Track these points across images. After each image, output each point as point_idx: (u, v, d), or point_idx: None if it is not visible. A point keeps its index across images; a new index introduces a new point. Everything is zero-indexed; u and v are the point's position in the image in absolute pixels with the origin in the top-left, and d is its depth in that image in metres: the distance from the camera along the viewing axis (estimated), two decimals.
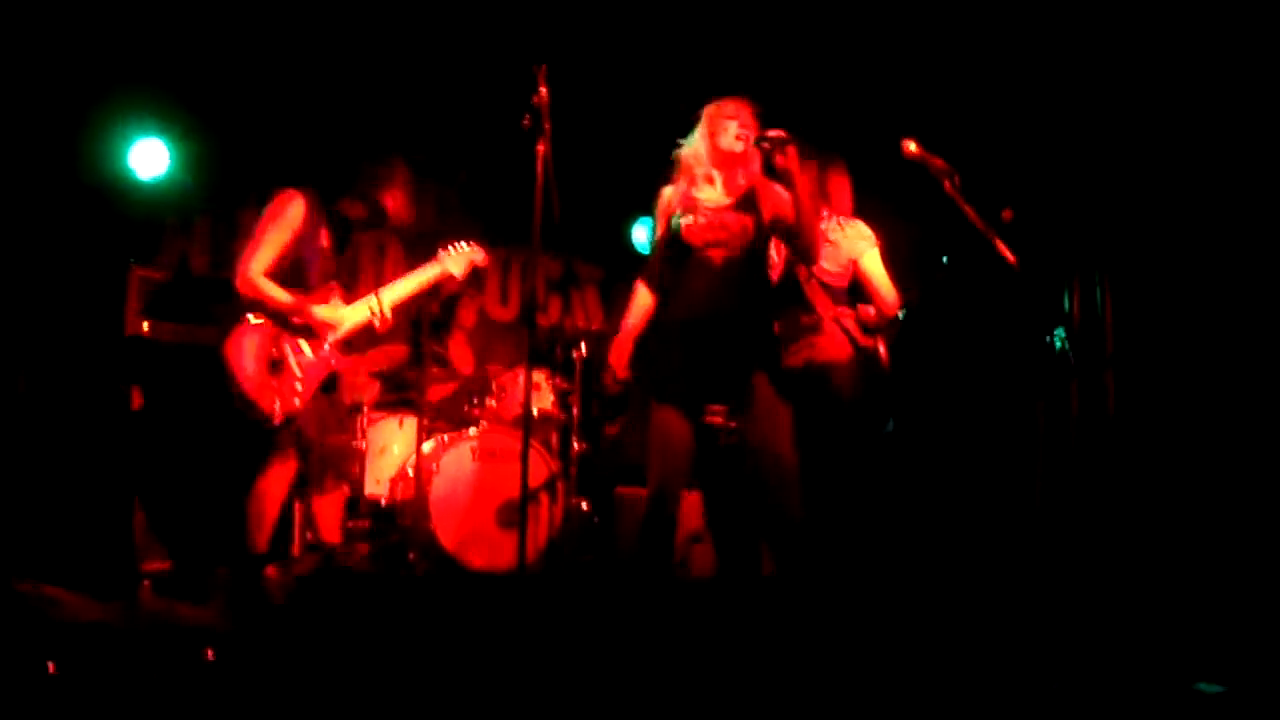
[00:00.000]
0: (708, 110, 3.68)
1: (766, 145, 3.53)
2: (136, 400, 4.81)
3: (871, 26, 5.34)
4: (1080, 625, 3.76)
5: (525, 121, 3.28)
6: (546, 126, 3.28)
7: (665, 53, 5.72)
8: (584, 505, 5.33)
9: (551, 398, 5.47)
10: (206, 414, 4.81)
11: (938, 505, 5.16)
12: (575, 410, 5.46)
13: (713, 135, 3.62)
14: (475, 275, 4.57)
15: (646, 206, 7.25)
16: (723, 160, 3.63)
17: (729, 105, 3.65)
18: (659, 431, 3.53)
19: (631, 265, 7.37)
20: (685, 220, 3.59)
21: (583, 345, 5.55)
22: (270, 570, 4.28)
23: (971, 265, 4.27)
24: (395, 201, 4.02)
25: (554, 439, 5.49)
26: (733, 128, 3.60)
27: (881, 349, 4.35)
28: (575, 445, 5.40)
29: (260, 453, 3.87)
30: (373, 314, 4.05)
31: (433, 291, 4.30)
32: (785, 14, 5.33)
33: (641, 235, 7.41)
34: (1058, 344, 3.70)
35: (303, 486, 4.05)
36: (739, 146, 3.60)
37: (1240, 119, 4.79)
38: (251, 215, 3.97)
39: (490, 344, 6.57)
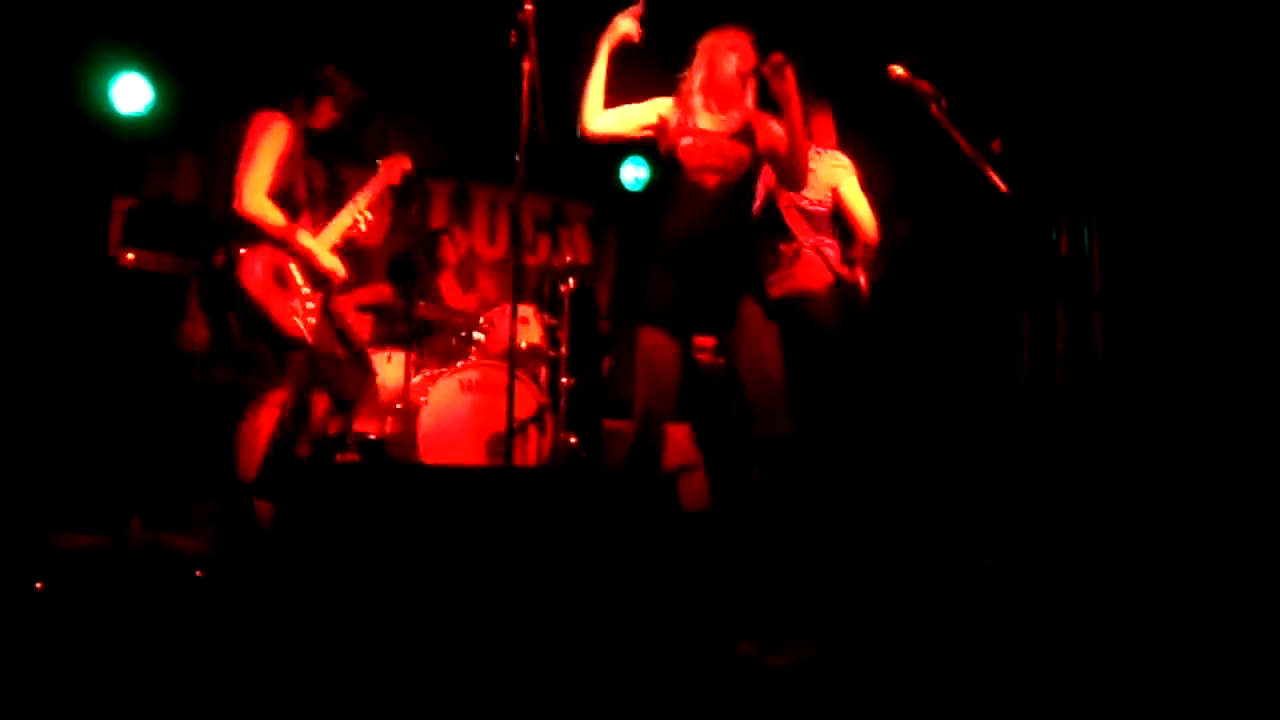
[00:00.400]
0: (707, 39, 3.68)
1: (767, 69, 3.52)
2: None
3: None
4: (1059, 562, 3.82)
5: (512, 38, 3.25)
6: (533, 43, 3.26)
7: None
8: (572, 439, 5.36)
9: (540, 332, 5.48)
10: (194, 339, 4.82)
11: (924, 440, 5.22)
12: (563, 346, 5.49)
13: (712, 65, 3.63)
14: (409, 187, 4.65)
15: (635, 145, 7.29)
16: (722, 90, 3.64)
17: (729, 35, 3.65)
18: (646, 354, 3.54)
19: (621, 203, 7.45)
20: (684, 142, 3.59)
21: (571, 281, 5.57)
22: (260, 500, 4.32)
23: (960, 192, 4.28)
24: (355, 90, 3.99)
25: (543, 373, 5.51)
26: (733, 59, 3.62)
27: (862, 281, 4.37)
28: (564, 380, 5.43)
29: (254, 381, 3.87)
30: (355, 217, 4.07)
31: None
32: None
33: (630, 174, 7.40)
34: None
35: (340, 408, 4.08)
36: (738, 77, 3.61)
37: (1233, 65, 4.78)
38: (226, 141, 3.91)
39: (478, 281, 6.57)
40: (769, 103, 3.70)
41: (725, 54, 3.62)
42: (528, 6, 3.28)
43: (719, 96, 3.64)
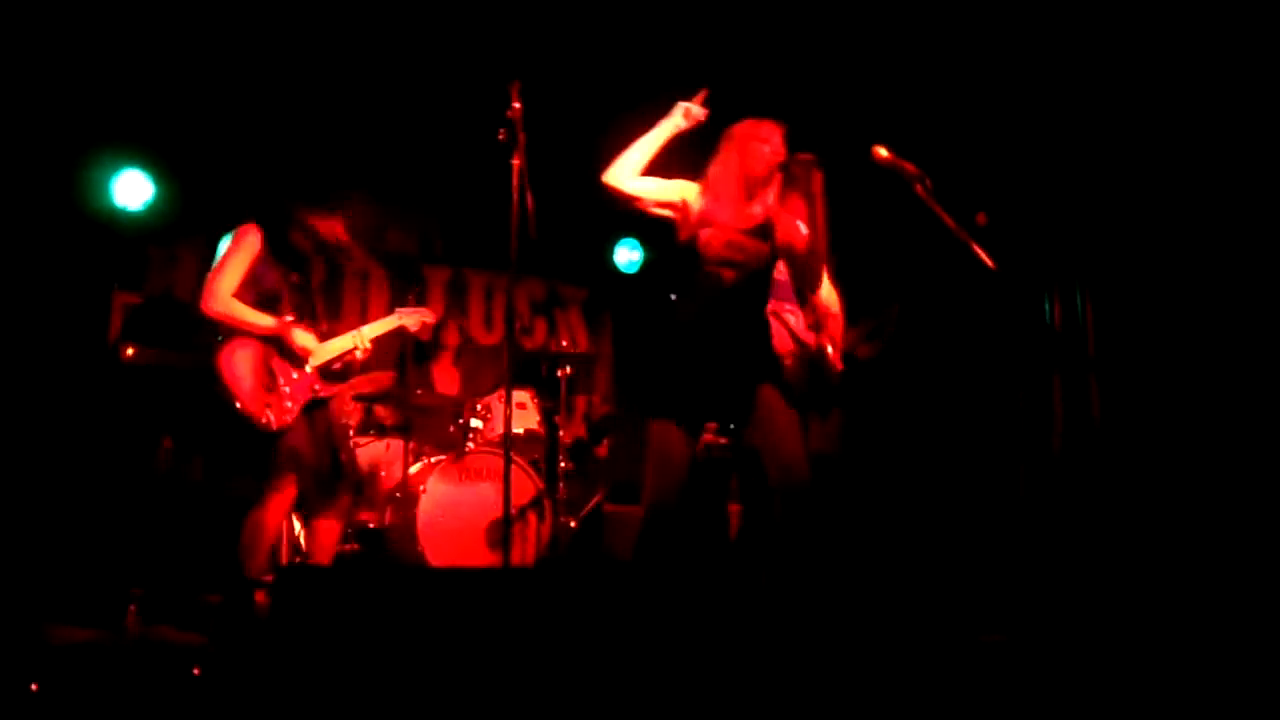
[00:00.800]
0: (739, 128, 3.67)
1: (797, 169, 3.55)
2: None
3: (849, 30, 5.42)
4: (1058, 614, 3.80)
5: (500, 135, 3.34)
6: (521, 139, 3.34)
7: (641, 72, 5.80)
8: (572, 524, 5.35)
9: (537, 417, 5.51)
10: (196, 436, 4.85)
11: (926, 505, 5.21)
12: (561, 430, 5.51)
13: (742, 156, 3.61)
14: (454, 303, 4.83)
15: (627, 227, 7.40)
16: (748, 183, 3.61)
17: (763, 127, 3.65)
18: (657, 447, 3.49)
19: (615, 286, 7.52)
20: (705, 232, 3.56)
21: (567, 366, 5.61)
22: (261, 596, 4.31)
23: (950, 270, 4.34)
24: (326, 226, 4.09)
25: (540, 458, 5.52)
26: (764, 151, 3.61)
27: (829, 348, 4.37)
28: (561, 464, 5.44)
29: (257, 479, 3.91)
30: (356, 344, 4.17)
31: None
32: (760, 23, 5.42)
33: (623, 256, 7.50)
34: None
35: (303, 508, 4.08)
36: (767, 172, 3.60)
37: (1217, 131, 4.89)
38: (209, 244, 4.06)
39: (476, 368, 6.62)
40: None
41: (757, 146, 3.60)
42: (515, 105, 3.36)
43: (745, 189, 3.60)
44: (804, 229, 3.59)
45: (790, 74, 5.50)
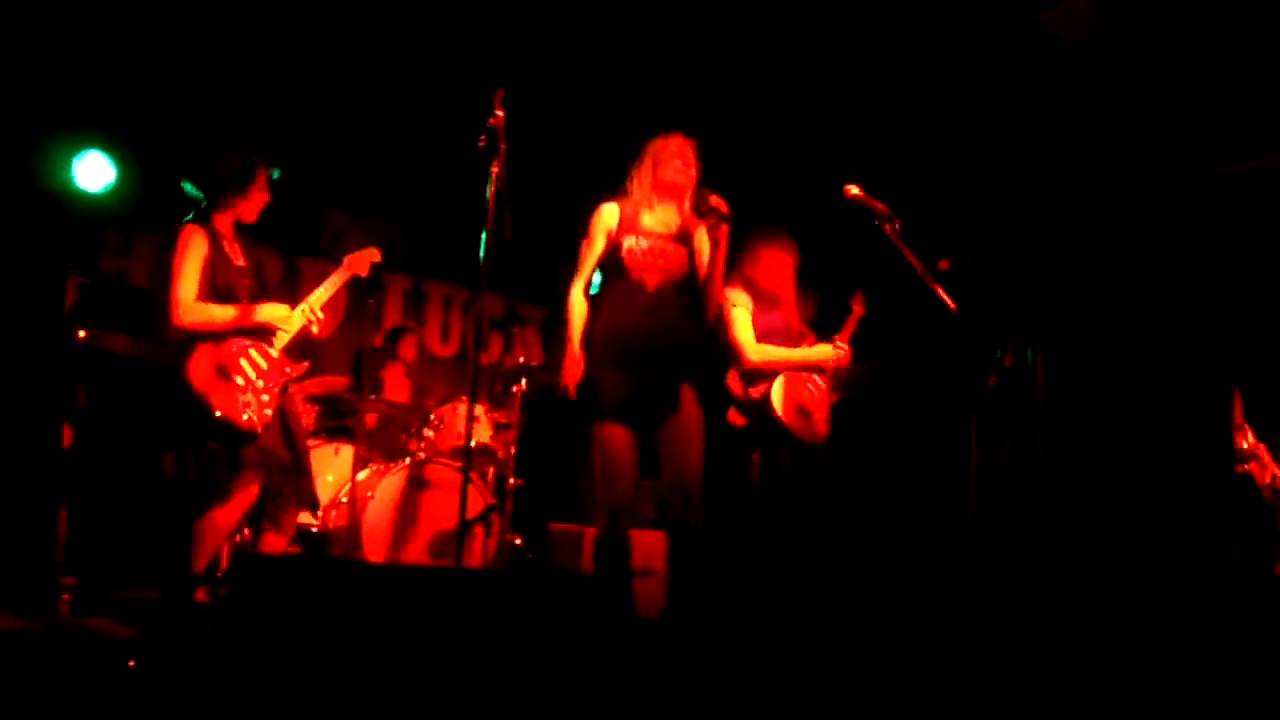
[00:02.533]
0: (655, 143, 3.91)
1: (705, 210, 3.76)
2: (66, 436, 4.74)
3: (819, 75, 5.54)
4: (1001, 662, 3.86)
5: (481, 142, 3.37)
6: (502, 147, 3.38)
7: (604, 98, 5.87)
8: (517, 540, 5.34)
9: (490, 431, 5.50)
10: (144, 425, 4.77)
11: (871, 544, 5.27)
12: (513, 446, 5.50)
13: (656, 166, 3.86)
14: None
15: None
16: (664, 191, 3.86)
17: (674, 141, 3.89)
18: (604, 449, 3.62)
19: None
20: (628, 243, 3.77)
21: (523, 381, 5.61)
22: (201, 593, 4.24)
23: (908, 311, 4.42)
24: (244, 198, 4.02)
25: (490, 473, 5.51)
26: (676, 164, 3.85)
27: (773, 399, 4.44)
28: (511, 480, 5.43)
29: (220, 474, 3.84)
30: (308, 319, 4.09)
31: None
32: (733, 60, 5.52)
33: None
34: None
35: (261, 510, 4.01)
36: (680, 180, 3.85)
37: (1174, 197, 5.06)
38: (161, 254, 3.98)
39: (430, 379, 6.60)
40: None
41: (671, 158, 3.85)
42: (499, 113, 3.40)
43: (662, 198, 3.85)
44: (706, 245, 3.82)
45: (767, 107, 5.60)
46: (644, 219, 3.84)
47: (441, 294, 7.14)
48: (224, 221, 4.00)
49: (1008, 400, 5.40)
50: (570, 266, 3.92)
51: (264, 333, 3.96)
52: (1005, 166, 5.64)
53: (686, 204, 3.86)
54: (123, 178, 5.34)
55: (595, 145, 6.56)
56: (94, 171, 5.19)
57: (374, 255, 4.37)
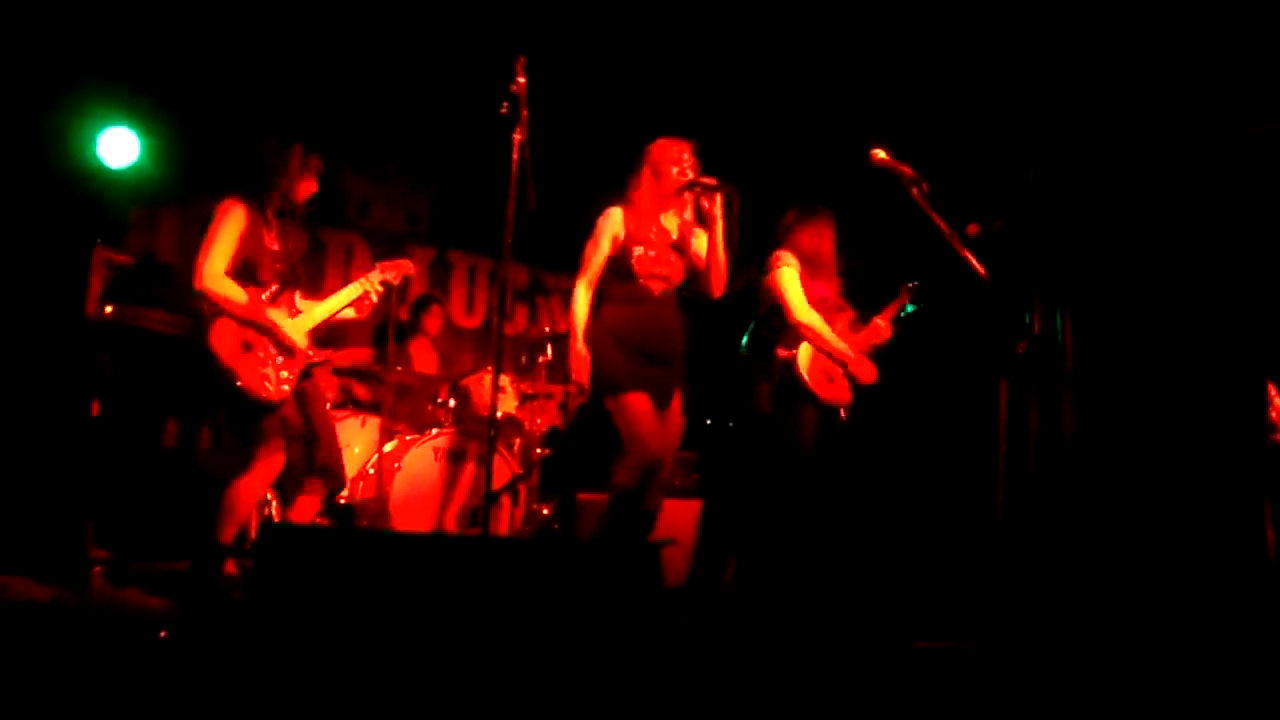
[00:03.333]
0: (655, 147, 3.99)
1: (697, 189, 3.89)
2: (95, 409, 4.78)
3: (845, 33, 5.45)
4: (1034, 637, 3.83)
5: (503, 109, 3.33)
6: (524, 114, 3.34)
7: (629, 70, 5.81)
8: (545, 510, 5.34)
9: (515, 402, 5.49)
10: (171, 398, 4.79)
11: (898, 520, 5.24)
12: (540, 416, 5.50)
13: (656, 176, 3.95)
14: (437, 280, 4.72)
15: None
16: (665, 198, 3.95)
17: (672, 147, 3.98)
18: (631, 411, 3.74)
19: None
20: (636, 250, 3.89)
21: (549, 349, 5.60)
22: (232, 564, 4.26)
23: (937, 277, 4.37)
24: (292, 184, 4.02)
25: (517, 443, 5.51)
26: (674, 170, 3.94)
27: (799, 361, 4.42)
28: (538, 450, 5.42)
29: (243, 444, 3.86)
30: (366, 289, 4.12)
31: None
32: (760, 22, 5.44)
33: None
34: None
35: (286, 481, 4.03)
36: (679, 186, 3.96)
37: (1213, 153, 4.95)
38: (199, 218, 3.99)
39: (455, 349, 6.60)
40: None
41: (670, 164, 3.94)
42: (520, 79, 3.36)
43: (664, 205, 3.95)
44: (703, 242, 3.99)
45: (794, 72, 5.52)
46: (649, 227, 3.94)
47: (466, 265, 7.13)
48: (267, 201, 3.99)
49: (1037, 367, 5.34)
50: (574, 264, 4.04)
51: (266, 331, 3.92)
52: (1035, 126, 5.54)
53: (688, 212, 4.00)
54: (147, 153, 5.35)
55: (620, 110, 6.56)
56: (118, 147, 5.19)
57: (409, 268, 4.38)
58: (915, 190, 3.71)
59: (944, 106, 5.62)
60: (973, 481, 5.19)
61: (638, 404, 3.76)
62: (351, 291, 4.18)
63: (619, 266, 3.93)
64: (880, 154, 3.71)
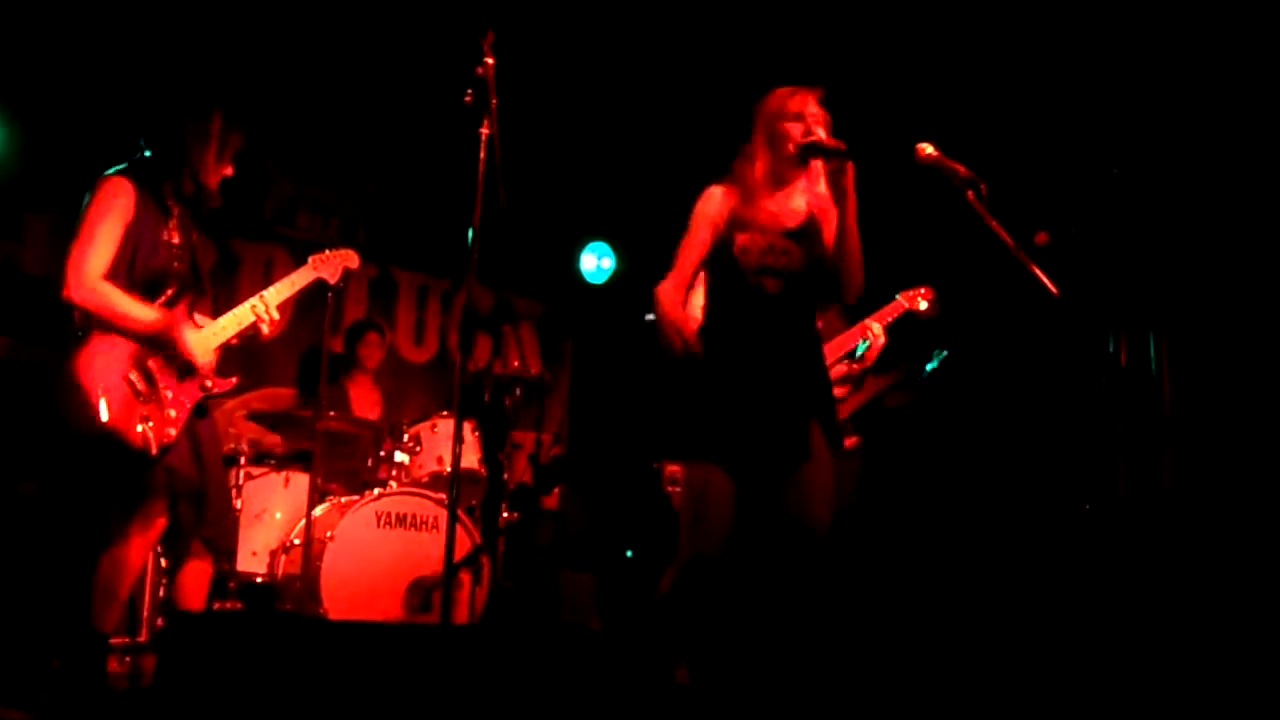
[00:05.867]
0: (768, 102, 3.75)
1: (822, 155, 3.65)
2: None
3: (890, 17, 5.53)
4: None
5: (468, 97, 3.38)
6: (494, 103, 3.38)
7: (618, 49, 5.89)
8: (511, 587, 5.38)
9: (476, 455, 5.53)
10: (16, 446, 4.80)
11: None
12: (506, 471, 5.54)
13: (771, 137, 3.70)
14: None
15: (596, 230, 7.47)
16: (785, 168, 3.71)
17: (793, 98, 3.71)
18: (695, 494, 3.60)
19: (579, 299, 7.58)
20: (741, 238, 3.66)
21: (517, 391, 5.66)
22: (114, 662, 4.25)
23: (1000, 293, 4.43)
24: (205, 163, 3.96)
25: (477, 506, 5.55)
26: (797, 130, 3.67)
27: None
28: (504, 514, 5.47)
29: (116, 505, 3.82)
30: (258, 315, 4.06)
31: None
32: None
33: (591, 263, 7.57)
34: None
35: (171, 544, 3.99)
36: (800, 151, 3.66)
37: None
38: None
39: (402, 389, 6.65)
40: None
41: (789, 122, 3.67)
42: (488, 60, 3.40)
43: (783, 177, 3.70)
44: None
45: (819, 53, 5.60)
46: (761, 210, 3.70)
47: (414, 285, 7.19)
48: (167, 183, 3.90)
49: (1124, 408, 5.40)
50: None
51: (174, 354, 3.86)
52: (1115, 113, 5.62)
53: (820, 184, 3.70)
54: (8, 143, 5.39)
55: (606, 102, 6.62)
56: None
57: (350, 259, 4.36)
58: (971, 193, 3.74)
59: (1002, 88, 5.70)
60: (1049, 552, 5.24)
61: (701, 480, 3.61)
62: (277, 292, 4.12)
63: (720, 261, 3.70)
64: (928, 149, 3.74)
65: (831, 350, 4.60)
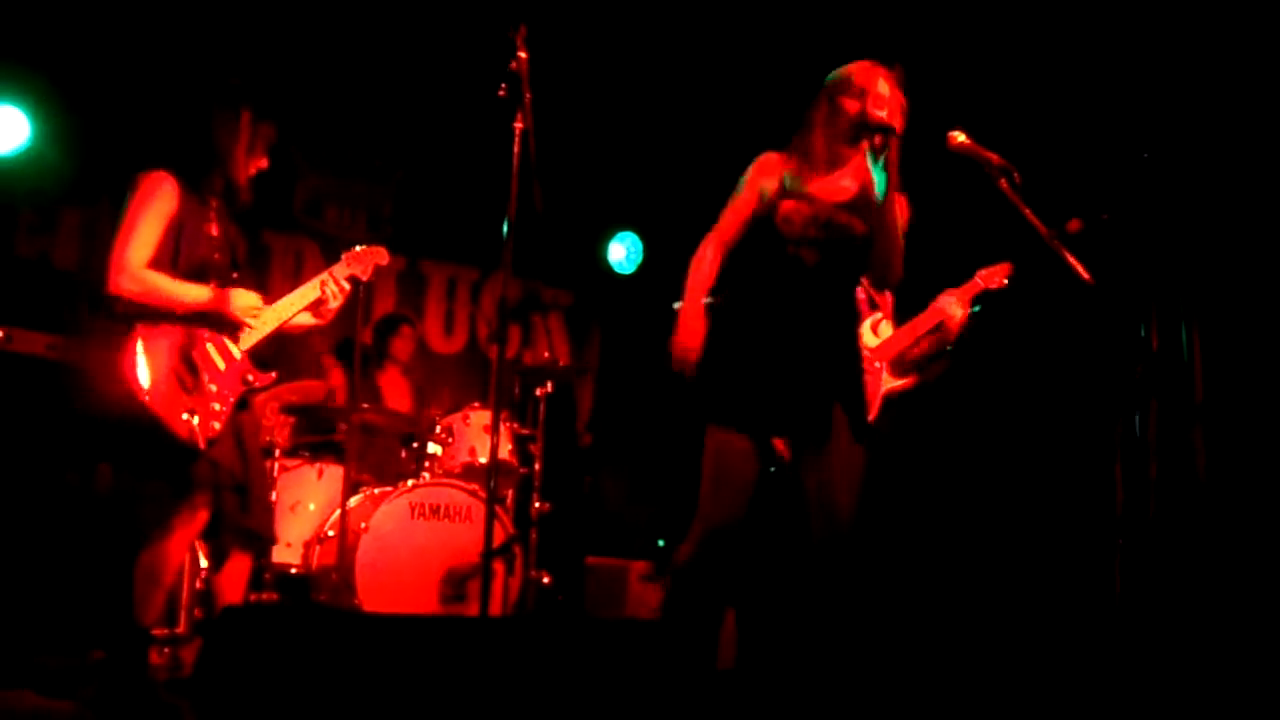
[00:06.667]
0: (836, 76, 3.73)
1: (870, 135, 3.63)
2: None
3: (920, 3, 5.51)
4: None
5: (501, 91, 3.39)
6: (527, 97, 3.39)
7: (646, 38, 5.88)
8: (545, 578, 5.41)
9: (509, 445, 5.56)
10: (62, 443, 4.84)
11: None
12: (538, 462, 5.57)
13: (832, 109, 3.68)
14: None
15: (623, 220, 7.49)
16: (840, 145, 3.69)
17: (861, 72, 3.68)
18: (714, 458, 3.61)
19: (607, 289, 7.60)
20: (787, 206, 3.64)
21: (548, 383, 5.68)
22: (154, 654, 4.30)
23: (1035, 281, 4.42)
24: (237, 158, 3.94)
25: (510, 496, 5.58)
26: (854, 106, 3.64)
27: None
28: (536, 504, 5.49)
29: (160, 498, 3.86)
30: (326, 289, 4.10)
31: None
32: None
33: (618, 254, 7.59)
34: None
35: (213, 536, 4.03)
36: (855, 125, 3.64)
37: None
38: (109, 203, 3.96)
39: (433, 381, 6.68)
40: None
41: (848, 100, 3.66)
42: (521, 54, 3.41)
43: (839, 151, 3.69)
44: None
45: (845, 42, 5.59)
46: (813, 179, 3.68)
47: (443, 277, 7.22)
48: (205, 179, 3.95)
49: (1157, 394, 5.38)
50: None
51: (225, 325, 3.93)
52: (1147, 99, 5.58)
53: (884, 158, 3.63)
54: (41, 137, 5.40)
55: (633, 92, 6.62)
56: (3, 131, 5.26)
57: (381, 255, 4.40)
58: (1004, 181, 3.74)
59: (1033, 75, 5.68)
60: (1081, 538, 5.23)
61: (720, 443, 3.62)
62: (309, 292, 4.15)
63: (762, 226, 3.67)
64: (959, 137, 3.73)
65: (907, 332, 4.60)
